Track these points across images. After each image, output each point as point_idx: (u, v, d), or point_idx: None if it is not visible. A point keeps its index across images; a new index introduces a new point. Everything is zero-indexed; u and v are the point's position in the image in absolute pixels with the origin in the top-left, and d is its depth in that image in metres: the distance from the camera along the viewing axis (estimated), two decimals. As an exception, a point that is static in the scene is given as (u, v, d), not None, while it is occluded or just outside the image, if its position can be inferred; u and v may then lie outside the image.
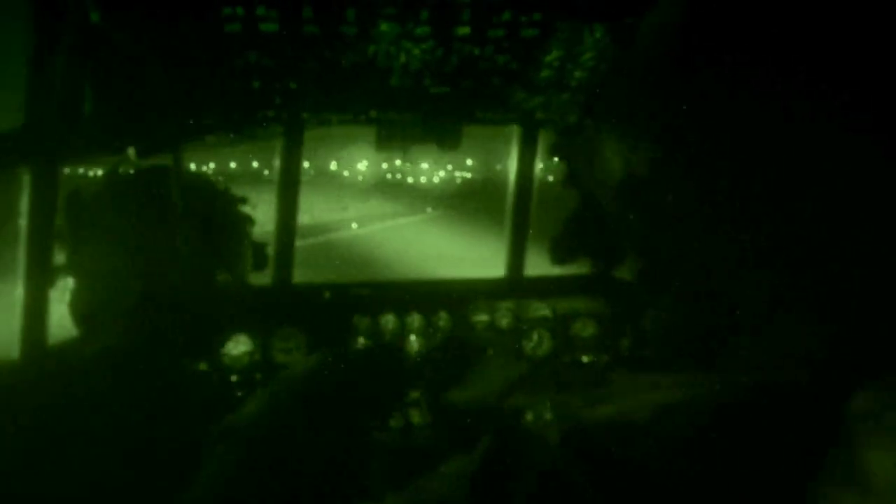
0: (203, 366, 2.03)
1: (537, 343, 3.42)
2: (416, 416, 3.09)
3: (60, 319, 2.65)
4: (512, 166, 3.49)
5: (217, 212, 1.78)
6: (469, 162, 45.16)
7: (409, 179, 44.05)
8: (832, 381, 0.77)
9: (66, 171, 2.29)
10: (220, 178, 1.82)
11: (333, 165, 44.18)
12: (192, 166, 2.46)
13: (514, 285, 3.64)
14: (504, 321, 3.41)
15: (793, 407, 0.77)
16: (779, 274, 0.81)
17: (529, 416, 1.41)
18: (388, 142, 2.86)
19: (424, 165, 44.47)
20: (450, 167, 45.66)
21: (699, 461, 0.76)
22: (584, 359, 3.41)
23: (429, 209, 29.32)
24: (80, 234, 1.72)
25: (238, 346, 3.08)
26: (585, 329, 3.43)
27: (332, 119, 2.74)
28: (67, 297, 1.77)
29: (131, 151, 2.32)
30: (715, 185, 0.81)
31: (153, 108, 2.35)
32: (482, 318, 3.41)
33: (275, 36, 2.12)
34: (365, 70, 2.34)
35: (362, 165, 44.22)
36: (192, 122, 2.43)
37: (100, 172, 1.87)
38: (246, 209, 1.85)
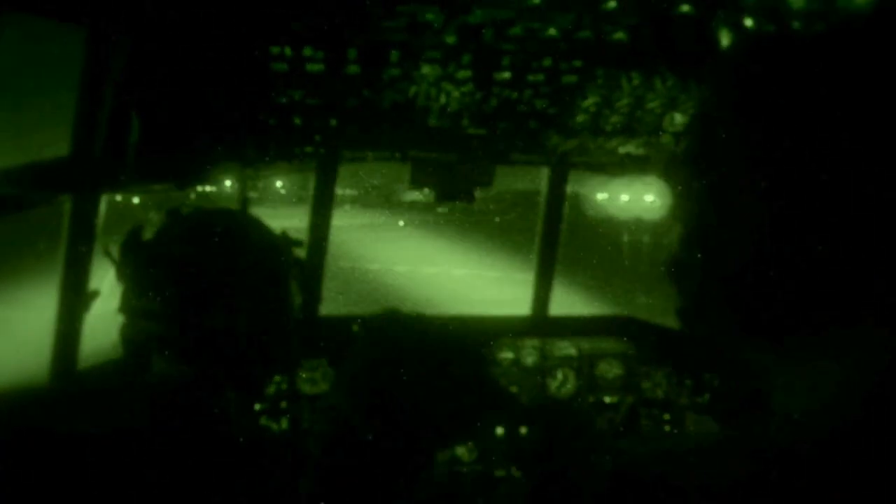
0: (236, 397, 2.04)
1: (562, 382, 3.43)
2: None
3: (94, 346, 2.69)
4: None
5: (272, 255, 1.80)
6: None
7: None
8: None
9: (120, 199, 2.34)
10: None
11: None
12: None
13: (540, 324, 3.65)
14: (529, 359, 3.42)
15: (833, 455, 0.78)
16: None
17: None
18: (422, 178, 2.89)
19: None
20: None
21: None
22: (608, 399, 3.42)
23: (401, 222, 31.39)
24: (139, 270, 1.75)
25: (265, 376, 3.11)
26: (611, 370, 3.43)
27: (369, 155, 2.78)
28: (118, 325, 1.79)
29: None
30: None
31: (196, 143, 2.39)
32: (507, 355, 3.42)
33: (319, 76, 2.16)
34: (404, 110, 2.38)
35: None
36: (233, 157, 2.47)
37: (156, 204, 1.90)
38: (299, 252, 1.87)
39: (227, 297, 1.69)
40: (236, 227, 1.80)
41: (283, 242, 1.86)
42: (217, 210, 1.88)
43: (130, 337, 1.77)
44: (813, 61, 0.84)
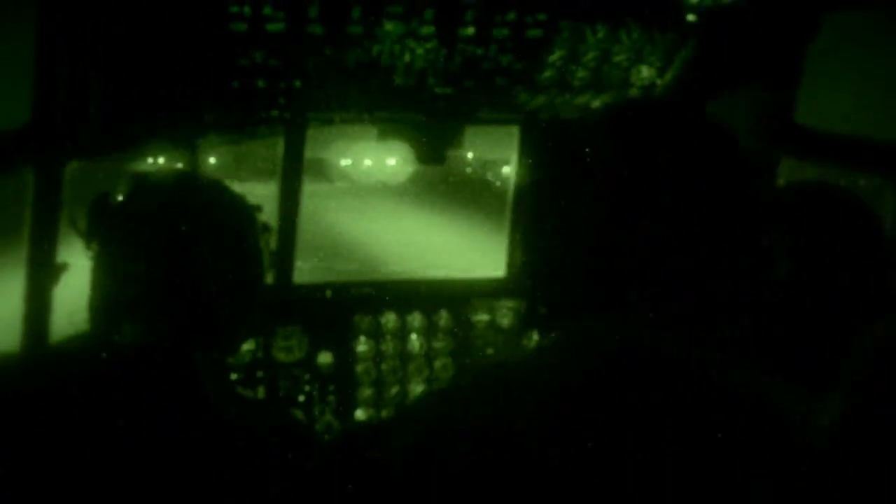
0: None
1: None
2: None
3: (64, 316, 2.66)
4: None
5: (240, 216, 1.81)
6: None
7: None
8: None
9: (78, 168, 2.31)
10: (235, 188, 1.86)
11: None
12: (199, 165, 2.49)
13: (515, 284, 3.65)
14: (505, 320, 3.43)
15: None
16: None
17: None
18: (389, 141, 2.87)
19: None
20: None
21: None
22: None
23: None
24: (105, 236, 1.74)
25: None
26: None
27: (336, 118, 2.75)
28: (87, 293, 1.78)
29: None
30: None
31: (158, 108, 2.36)
32: (483, 317, 3.42)
33: (280, 35, 2.13)
34: (369, 69, 2.36)
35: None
36: (196, 123, 2.44)
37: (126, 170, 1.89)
38: (262, 217, 1.87)
39: (199, 258, 1.69)
40: (204, 189, 1.81)
41: (247, 205, 1.86)
42: (184, 173, 1.88)
43: (101, 303, 1.76)
44: None
